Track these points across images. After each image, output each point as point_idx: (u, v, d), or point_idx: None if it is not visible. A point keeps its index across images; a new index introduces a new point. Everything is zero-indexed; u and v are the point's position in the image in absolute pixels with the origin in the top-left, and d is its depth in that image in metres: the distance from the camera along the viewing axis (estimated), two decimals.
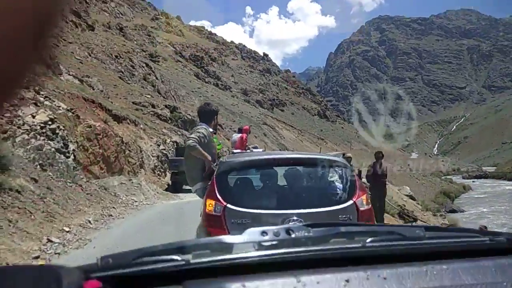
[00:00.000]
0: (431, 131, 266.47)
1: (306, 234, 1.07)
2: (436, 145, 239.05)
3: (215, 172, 3.53)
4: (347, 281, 0.88)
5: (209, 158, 3.85)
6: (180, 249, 1.00)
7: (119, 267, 0.89)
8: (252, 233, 1.08)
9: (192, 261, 0.93)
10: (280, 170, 3.86)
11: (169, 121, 27.56)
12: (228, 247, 1.04)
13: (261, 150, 7.00)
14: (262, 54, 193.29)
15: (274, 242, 1.04)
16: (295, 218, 3.07)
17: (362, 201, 3.35)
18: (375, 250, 1.06)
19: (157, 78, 40.93)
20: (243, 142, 7.24)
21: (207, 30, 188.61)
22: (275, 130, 75.07)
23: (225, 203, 3.21)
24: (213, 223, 3.25)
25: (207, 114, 4.34)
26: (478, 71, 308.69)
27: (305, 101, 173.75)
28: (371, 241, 1.07)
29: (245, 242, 1.06)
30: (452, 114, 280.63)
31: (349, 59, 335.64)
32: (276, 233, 1.05)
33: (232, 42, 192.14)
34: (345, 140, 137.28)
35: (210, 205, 3.28)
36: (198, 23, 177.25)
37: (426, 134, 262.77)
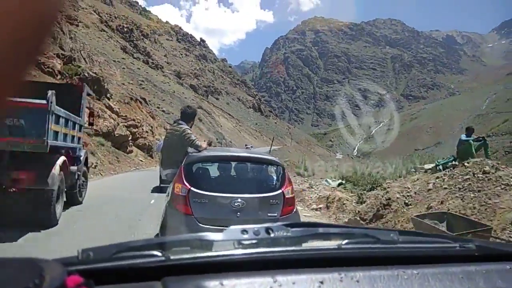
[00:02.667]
0: (353, 133, 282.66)
1: (285, 234, 1.09)
2: (356, 147, 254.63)
3: (183, 163, 4.67)
4: (322, 282, 0.90)
5: (204, 146, 5.22)
6: (161, 245, 1.01)
7: (99, 261, 0.90)
8: (232, 231, 1.09)
9: (172, 257, 0.94)
10: (233, 164, 5.10)
11: (57, 76, 22.27)
12: (208, 244, 1.05)
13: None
14: (199, 40, 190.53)
15: (253, 241, 1.05)
16: (239, 200, 4.30)
17: (289, 191, 4.60)
18: (349, 252, 1.10)
19: (63, 33, 33.19)
20: None
21: (140, 6, 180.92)
22: (211, 117, 74.89)
23: (189, 187, 4.35)
24: (180, 201, 4.33)
25: (188, 116, 5.52)
26: (399, 80, 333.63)
27: (241, 93, 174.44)
28: (346, 243, 1.11)
29: (226, 240, 1.07)
30: (372, 119, 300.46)
31: (284, 56, 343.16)
32: (256, 232, 1.07)
33: (167, 22, 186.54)
34: (278, 135, 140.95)
35: (178, 188, 4.39)
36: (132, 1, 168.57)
37: (348, 136, 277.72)
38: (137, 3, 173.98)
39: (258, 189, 4.74)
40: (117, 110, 26.86)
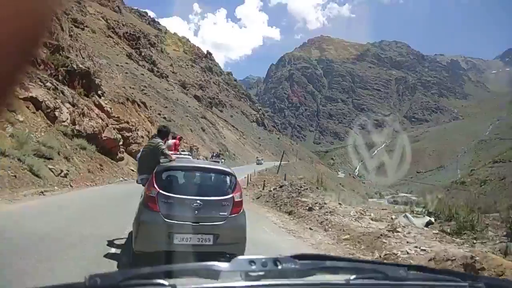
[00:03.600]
0: (355, 153, 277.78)
1: (292, 266, 1.07)
2: (358, 167, 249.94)
3: (154, 170, 5.61)
4: None
5: (173, 157, 6.27)
6: (167, 273, 1.00)
7: None
8: (239, 262, 1.08)
9: (178, 286, 0.93)
10: (195, 173, 6.06)
11: (40, 66, 18.70)
12: (215, 274, 1.05)
13: (187, 153, 10.59)
14: (205, 52, 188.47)
15: (261, 273, 1.03)
16: (198, 201, 5.16)
17: (238, 195, 5.55)
18: None
19: (62, 29, 28.89)
20: (176, 147, 9.02)
21: (149, 16, 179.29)
22: (215, 127, 70.87)
23: (158, 190, 5.21)
24: (150, 201, 5.18)
25: (163, 133, 6.80)
26: (402, 102, 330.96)
27: (245, 106, 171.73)
28: (354, 278, 1.09)
29: (232, 271, 1.06)
30: (374, 139, 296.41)
31: (289, 73, 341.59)
32: (264, 264, 1.05)
33: (175, 34, 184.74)
34: (281, 150, 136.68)
35: (149, 190, 5.28)
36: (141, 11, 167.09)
37: (350, 156, 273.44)
38: (146, 13, 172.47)
39: (213, 193, 5.59)
40: (108, 109, 22.66)
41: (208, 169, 6.11)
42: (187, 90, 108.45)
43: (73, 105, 18.53)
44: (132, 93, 46.60)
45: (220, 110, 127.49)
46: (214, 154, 35.50)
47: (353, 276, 1.09)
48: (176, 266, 1.12)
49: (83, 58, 30.07)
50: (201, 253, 4.93)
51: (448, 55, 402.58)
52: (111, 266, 5.04)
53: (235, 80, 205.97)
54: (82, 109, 19.43)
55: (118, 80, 49.73)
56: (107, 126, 20.90)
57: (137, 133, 25.18)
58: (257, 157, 73.56)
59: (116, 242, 6.25)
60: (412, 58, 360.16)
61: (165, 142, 6.59)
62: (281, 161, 39.60)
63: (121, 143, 22.54)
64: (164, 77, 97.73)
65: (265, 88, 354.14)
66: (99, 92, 23.33)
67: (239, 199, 5.55)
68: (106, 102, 23.36)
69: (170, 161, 6.03)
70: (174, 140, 9.34)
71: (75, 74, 21.32)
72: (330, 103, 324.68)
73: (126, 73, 67.27)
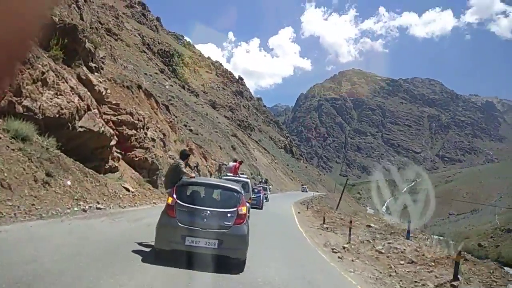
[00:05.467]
0: (384, 188, 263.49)
1: None
2: (386, 204, 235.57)
3: (176, 184, 6.52)
4: None
5: (193, 175, 7.22)
6: None
7: None
8: None
9: None
10: (208, 188, 7.03)
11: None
12: None
13: (245, 176, 10.74)
14: (237, 77, 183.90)
15: None
16: (207, 211, 6.02)
17: (242, 209, 6.27)
18: None
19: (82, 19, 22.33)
20: (236, 170, 10.46)
21: (186, 39, 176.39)
22: (246, 148, 61.79)
23: (176, 200, 6.13)
24: (169, 209, 6.09)
25: (184, 156, 7.71)
26: (435, 140, 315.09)
27: (273, 132, 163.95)
28: None
29: None
30: (404, 177, 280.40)
31: (318, 103, 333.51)
32: None
33: (209, 58, 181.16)
34: (310, 180, 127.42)
35: (170, 200, 6.22)
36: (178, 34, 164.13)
37: (378, 191, 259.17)
38: (183, 36, 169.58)
39: (221, 206, 6.41)
40: (101, 90, 13.72)
41: (219, 186, 7.02)
42: (217, 110, 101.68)
43: (25, 62, 9.64)
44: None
45: (249, 134, 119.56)
46: (262, 181, 32.52)
47: None
48: None
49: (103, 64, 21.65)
50: (207, 255, 5.81)
51: (483, 96, 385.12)
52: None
53: (264, 106, 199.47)
54: (44, 75, 10.54)
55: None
56: (89, 110, 11.82)
57: (145, 133, 16.09)
58: (302, 185, 75.72)
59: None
60: (445, 97, 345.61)
61: (186, 163, 7.55)
62: (342, 194, 30.43)
63: (113, 142, 13.39)
64: (195, 95, 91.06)
65: (293, 116, 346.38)
66: (92, 64, 14.53)
67: (243, 212, 6.27)
68: (100, 79, 14.45)
69: (191, 177, 6.95)
70: (234, 163, 10.42)
71: (53, 29, 12.51)
72: (358, 136, 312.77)
73: (154, 82, 59.80)
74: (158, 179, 17.09)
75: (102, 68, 16.46)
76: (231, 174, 11.06)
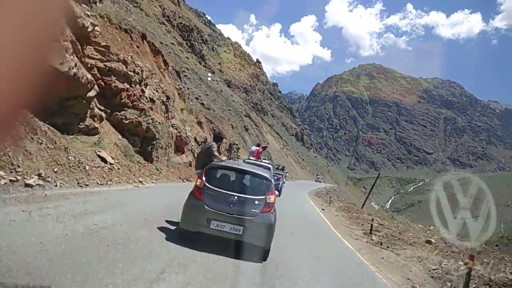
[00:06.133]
0: (389, 185, 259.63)
1: None
2: (390, 201, 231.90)
3: (206, 166, 6.42)
4: None
5: (222, 159, 7.15)
6: None
7: None
8: None
9: None
10: (238, 173, 6.47)
11: None
12: None
13: (268, 162, 10.39)
14: (255, 60, 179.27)
15: None
16: (235, 197, 5.75)
17: (270, 198, 5.98)
18: None
19: None
20: (259, 154, 9.97)
21: (206, 17, 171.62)
22: (259, 130, 58.03)
23: (205, 183, 5.95)
24: (197, 191, 5.94)
25: (217, 139, 8.25)
26: (448, 142, 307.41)
27: (286, 119, 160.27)
28: None
29: None
30: (412, 175, 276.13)
31: (333, 94, 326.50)
32: None
33: (228, 38, 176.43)
34: (319, 170, 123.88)
35: (198, 182, 6.06)
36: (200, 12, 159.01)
37: (384, 187, 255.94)
38: (204, 14, 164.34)
39: (249, 192, 6.02)
40: (85, 23, 9.87)
41: (249, 172, 6.50)
42: (232, 90, 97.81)
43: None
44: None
45: (262, 117, 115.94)
46: (280, 167, 29.52)
47: None
48: None
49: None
50: (232, 240, 5.63)
51: (502, 103, 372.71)
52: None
53: (280, 92, 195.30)
54: None
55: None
56: (58, 41, 8.03)
57: (142, 91, 12.33)
58: (316, 175, 74.24)
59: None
60: (464, 100, 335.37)
61: (218, 146, 7.50)
62: (370, 191, 26.81)
63: (93, 93, 9.63)
64: (211, 72, 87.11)
65: (307, 105, 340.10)
66: None
67: (271, 201, 6.00)
68: (88, 12, 10.63)
69: (221, 161, 6.86)
70: (257, 148, 10.00)
71: None
72: (371, 131, 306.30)
73: (169, 52, 55.88)
74: (154, 150, 13.40)
75: (96, 3, 12.60)
76: (253, 158, 10.50)
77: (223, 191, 5.84)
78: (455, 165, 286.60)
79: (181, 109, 19.34)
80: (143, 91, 12.47)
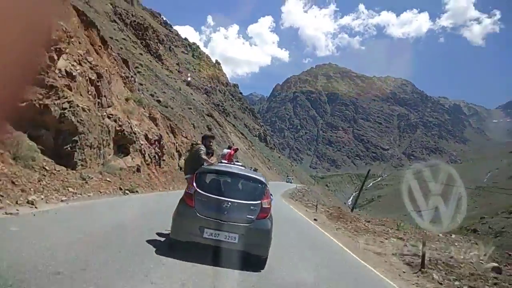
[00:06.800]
0: (350, 182, 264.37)
1: None
2: (352, 197, 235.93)
3: (196, 172, 5.96)
4: None
5: (211, 162, 6.62)
6: None
7: None
8: None
9: None
10: (231, 178, 6.10)
11: None
12: None
13: (240, 163, 8.36)
14: (214, 61, 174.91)
15: None
16: (228, 203, 5.35)
17: (266, 203, 5.60)
18: None
19: None
20: (231, 157, 8.69)
21: (162, 18, 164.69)
22: (223, 130, 53.72)
23: (196, 188, 5.55)
24: (188, 197, 5.54)
25: (205, 138, 7.38)
26: (402, 138, 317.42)
27: (248, 120, 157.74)
28: None
29: None
30: (371, 171, 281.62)
31: (293, 95, 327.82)
32: None
33: (186, 39, 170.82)
34: (283, 170, 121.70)
35: (189, 188, 5.68)
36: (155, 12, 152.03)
37: (345, 184, 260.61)
38: (160, 14, 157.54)
39: (244, 197, 5.65)
40: None
41: (243, 176, 6.15)
42: (193, 90, 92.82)
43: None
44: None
45: (225, 117, 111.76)
46: (252, 169, 23.89)
47: None
48: None
49: None
50: (226, 249, 5.16)
51: (451, 99, 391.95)
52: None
53: (240, 93, 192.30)
54: None
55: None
56: None
57: (52, 59, 7.86)
58: (287, 176, 72.89)
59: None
60: (415, 97, 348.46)
61: (209, 145, 7.05)
62: (362, 187, 23.64)
63: None
64: (169, 71, 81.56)
65: (268, 106, 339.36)
66: None
67: (267, 206, 5.64)
68: None
69: (211, 164, 6.39)
70: (229, 150, 8.85)
71: None
72: (331, 130, 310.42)
73: (121, 48, 50.34)
74: (78, 150, 8.90)
75: None
76: (225, 161, 8.95)
77: (215, 197, 5.53)
78: (409, 160, 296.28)
79: (126, 99, 14.83)
80: (52, 59, 8.00)
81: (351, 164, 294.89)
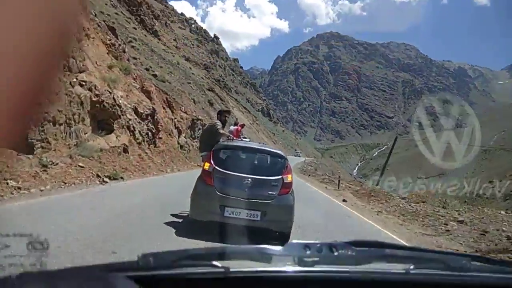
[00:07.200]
0: (355, 152, 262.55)
1: (349, 253, 0.99)
2: (357, 167, 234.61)
3: (213, 148, 5.64)
4: None
5: (229, 135, 6.62)
6: (221, 255, 0.94)
7: (159, 268, 0.85)
8: (293, 246, 1.01)
9: (232, 269, 0.87)
10: (249, 153, 5.98)
11: None
12: (268, 258, 0.98)
13: (248, 139, 8.52)
14: (212, 36, 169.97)
15: (315, 258, 0.97)
16: (248, 179, 5.16)
17: (287, 177, 5.37)
18: (418, 278, 1.00)
19: None
20: (238, 134, 8.75)
21: None
22: (225, 105, 51.15)
23: (214, 166, 5.30)
24: (206, 175, 5.29)
25: (220, 113, 7.05)
26: (407, 105, 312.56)
27: (250, 94, 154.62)
28: (414, 268, 1.01)
29: (286, 255, 1.00)
30: (376, 140, 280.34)
31: (294, 67, 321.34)
32: (319, 249, 0.98)
33: (182, 14, 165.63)
34: (288, 144, 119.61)
35: (207, 166, 5.38)
36: None
37: (350, 155, 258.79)
38: None
39: (264, 173, 5.47)
40: None
41: (262, 151, 6.10)
42: (191, 68, 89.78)
43: None
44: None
45: (227, 92, 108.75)
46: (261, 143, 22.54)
47: (412, 266, 1.00)
48: (229, 248, 1.06)
49: None
50: (249, 227, 4.98)
51: (456, 62, 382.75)
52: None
53: (241, 67, 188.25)
54: None
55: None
56: None
57: None
58: (295, 149, 72.73)
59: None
60: (420, 62, 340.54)
61: (224, 120, 6.84)
62: (389, 156, 21.78)
63: None
64: (166, 46, 78.12)
65: (269, 80, 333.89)
66: None
67: (289, 181, 5.45)
68: None
69: (228, 140, 6.19)
70: (236, 127, 9.15)
71: None
72: (334, 101, 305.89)
73: (113, 22, 47.13)
74: (32, 128, 6.55)
75: None
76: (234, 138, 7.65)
77: (235, 173, 5.31)
78: (415, 126, 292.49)
79: (109, 67, 12.30)
80: None
81: (356, 134, 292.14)
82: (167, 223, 5.47)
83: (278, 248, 0.99)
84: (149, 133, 12.87)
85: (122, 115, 10.87)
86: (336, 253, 0.97)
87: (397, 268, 1.01)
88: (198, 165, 19.79)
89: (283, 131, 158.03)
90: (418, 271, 0.99)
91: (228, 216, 5.01)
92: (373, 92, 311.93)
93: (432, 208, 9.90)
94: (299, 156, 59.54)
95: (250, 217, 5.04)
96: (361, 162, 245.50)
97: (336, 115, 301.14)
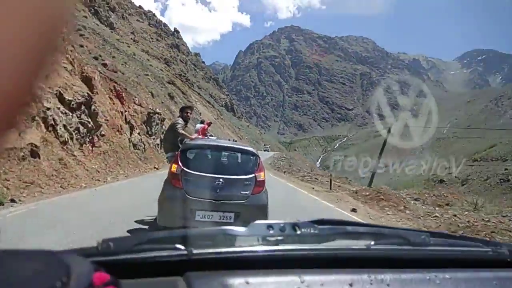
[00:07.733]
0: (317, 145, 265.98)
1: (312, 231, 1.00)
2: (319, 159, 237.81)
3: (179, 148, 5.34)
4: (351, 284, 0.83)
5: (190, 136, 5.99)
6: (183, 238, 0.93)
7: (120, 253, 0.83)
8: (257, 226, 1.01)
9: (194, 251, 0.87)
10: (219, 152, 5.56)
11: None
12: (232, 239, 0.98)
13: (215, 137, 8.54)
14: (172, 30, 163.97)
15: (279, 238, 0.98)
16: (220, 180, 4.86)
17: (260, 175, 5.13)
18: (379, 253, 1.02)
19: None
20: (204, 132, 8.60)
21: None
22: (187, 99, 47.65)
23: (182, 167, 4.96)
24: (174, 178, 4.95)
25: (181, 112, 6.61)
26: (366, 97, 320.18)
27: (213, 90, 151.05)
28: (375, 244, 1.03)
29: (250, 235, 0.99)
30: (337, 132, 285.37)
31: (257, 61, 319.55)
32: (282, 228, 0.98)
33: (140, 7, 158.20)
34: (253, 139, 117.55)
35: (174, 167, 5.02)
36: None
37: (313, 148, 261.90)
38: None
39: (235, 172, 5.18)
40: None
41: (232, 148, 5.70)
42: (149, 62, 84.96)
43: None
44: None
45: (188, 87, 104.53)
46: (231, 140, 20.62)
47: (373, 242, 1.02)
48: (192, 231, 1.05)
49: None
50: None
51: (410, 54, 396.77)
52: None
53: (203, 62, 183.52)
54: None
55: None
56: None
57: None
58: (264, 144, 72.04)
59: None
60: (376, 55, 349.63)
61: (186, 117, 6.44)
62: (380, 154, 19.80)
63: None
64: (119, 36, 72.77)
65: (232, 75, 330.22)
66: None
67: (261, 179, 5.25)
68: None
69: (192, 139, 5.92)
70: (202, 125, 8.91)
71: None
72: (296, 94, 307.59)
73: None
74: None
75: None
76: (200, 137, 7.77)
77: (205, 174, 5.05)
78: (373, 117, 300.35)
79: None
80: None
81: (318, 127, 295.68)
82: (131, 232, 5.10)
83: (241, 228, 0.98)
84: (81, 128, 9.66)
85: (35, 102, 7.73)
86: (299, 232, 0.97)
87: (359, 244, 1.03)
88: (155, 168, 16.79)
89: (248, 126, 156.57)
90: (379, 247, 1.01)
91: (200, 220, 4.75)
92: (333, 85, 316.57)
93: (460, 211, 7.57)
94: (268, 151, 59.58)
95: (223, 219, 4.84)
96: (323, 154, 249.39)
97: (298, 108, 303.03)
